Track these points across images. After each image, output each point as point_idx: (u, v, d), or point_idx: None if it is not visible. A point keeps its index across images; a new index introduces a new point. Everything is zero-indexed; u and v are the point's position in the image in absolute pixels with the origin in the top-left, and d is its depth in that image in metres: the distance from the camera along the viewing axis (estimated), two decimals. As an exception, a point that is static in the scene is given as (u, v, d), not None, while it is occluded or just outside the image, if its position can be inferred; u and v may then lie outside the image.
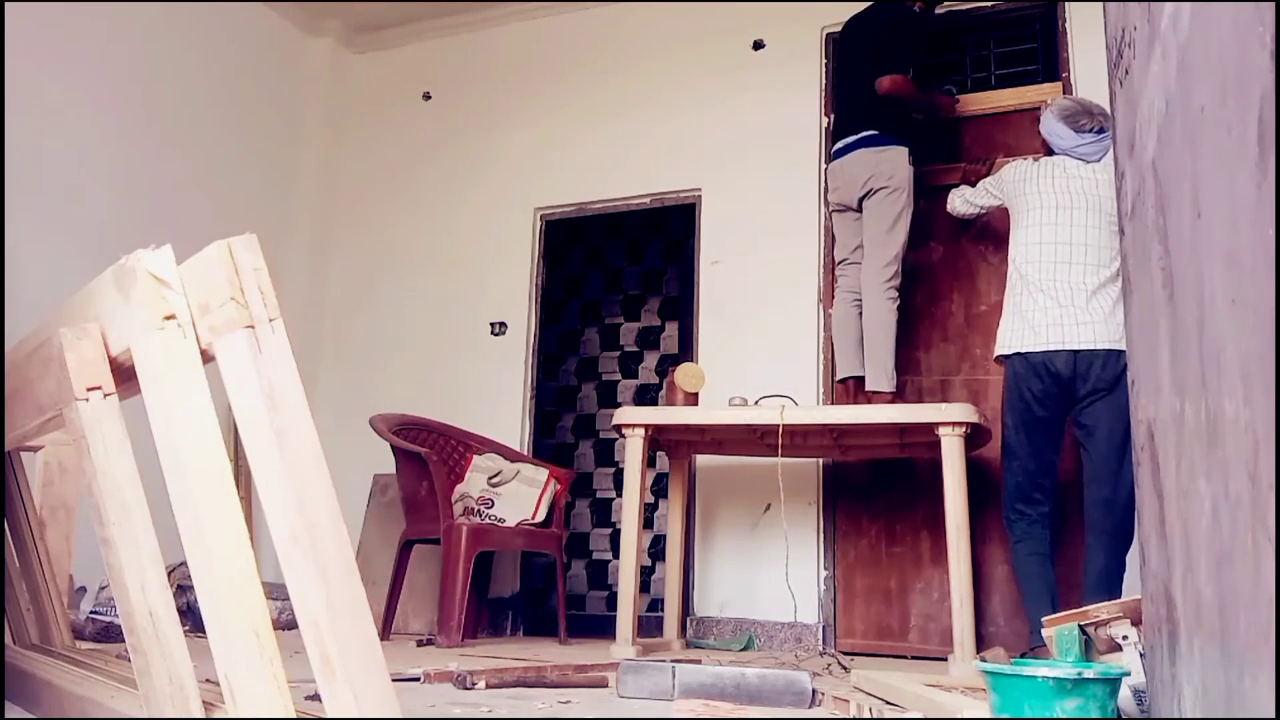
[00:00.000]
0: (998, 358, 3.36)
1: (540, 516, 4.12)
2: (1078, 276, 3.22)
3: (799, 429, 3.59)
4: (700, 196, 4.76)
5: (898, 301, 3.73)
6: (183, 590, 3.37)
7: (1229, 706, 0.96)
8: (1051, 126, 3.43)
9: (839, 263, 3.97)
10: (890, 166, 3.78)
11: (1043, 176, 3.38)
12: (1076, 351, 3.15)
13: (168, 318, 1.23)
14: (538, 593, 4.98)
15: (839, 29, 4.61)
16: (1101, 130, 3.37)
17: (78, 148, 4.26)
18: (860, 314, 3.84)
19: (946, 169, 4.16)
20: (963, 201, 3.76)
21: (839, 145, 3.93)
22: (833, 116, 4.17)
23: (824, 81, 4.59)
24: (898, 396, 3.68)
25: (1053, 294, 3.22)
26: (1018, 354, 3.25)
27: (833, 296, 4.34)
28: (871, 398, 3.67)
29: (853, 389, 3.80)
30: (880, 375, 3.64)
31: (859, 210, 3.88)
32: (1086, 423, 3.20)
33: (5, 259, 3.72)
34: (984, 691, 2.08)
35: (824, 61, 4.61)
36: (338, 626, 1.09)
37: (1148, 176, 1.39)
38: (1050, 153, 3.45)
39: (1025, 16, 4.38)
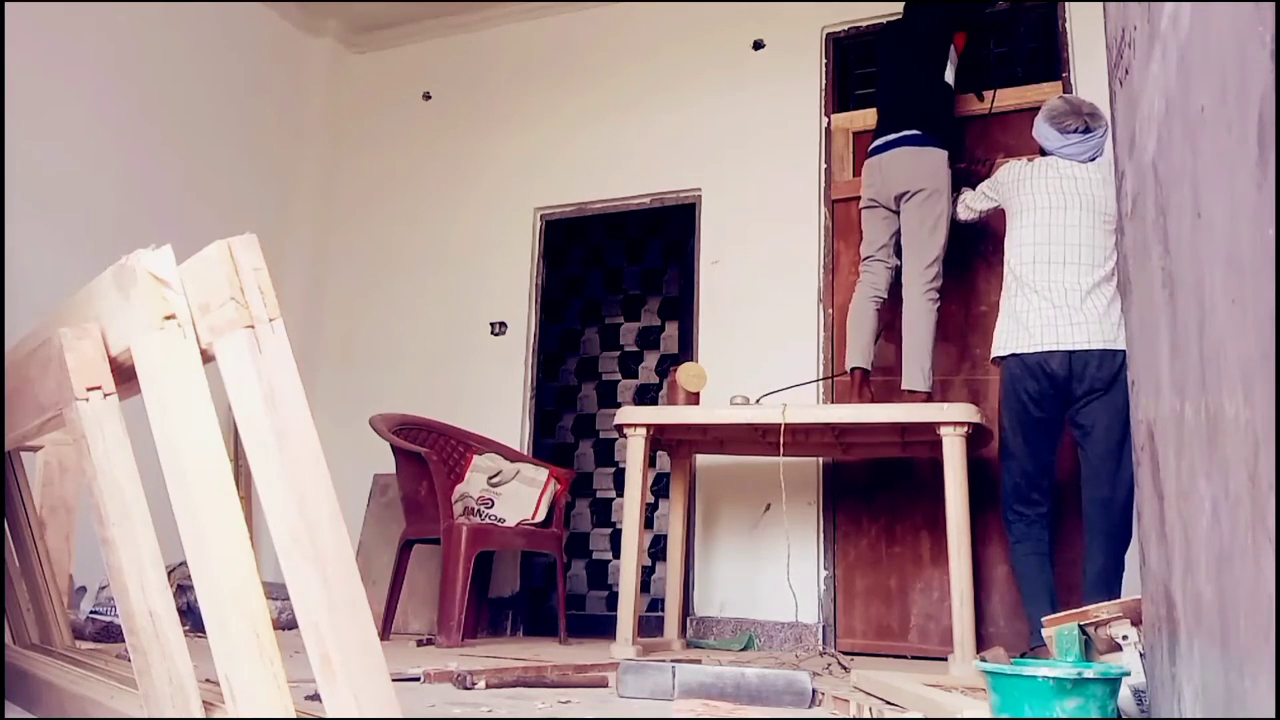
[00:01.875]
0: (994, 359, 3.36)
1: (540, 516, 4.12)
2: (1072, 277, 3.21)
3: (801, 427, 3.59)
4: (700, 196, 4.76)
5: (938, 303, 3.73)
6: (183, 590, 3.37)
7: (1229, 706, 0.96)
8: (1039, 128, 3.45)
9: (864, 259, 3.94)
10: (931, 168, 3.76)
11: (1036, 177, 3.38)
12: (1072, 352, 3.15)
13: (168, 318, 1.23)
14: (538, 593, 4.98)
15: (840, 29, 4.63)
16: (1088, 130, 3.36)
17: (78, 148, 4.26)
18: (879, 311, 3.85)
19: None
20: (963, 208, 3.76)
21: (879, 142, 3.89)
22: (876, 112, 4.12)
23: (824, 81, 4.59)
24: (931, 396, 3.68)
25: (1047, 295, 3.22)
26: (1014, 355, 3.25)
27: (833, 295, 4.36)
28: (906, 396, 3.67)
29: (858, 380, 3.79)
30: (917, 375, 3.64)
31: (893, 209, 3.85)
32: (1083, 423, 3.20)
33: (5, 259, 3.72)
34: (984, 691, 2.08)
35: (824, 61, 4.61)
36: (338, 626, 1.09)
37: (1148, 176, 1.39)
38: (1045, 154, 3.46)
39: (1025, 17, 4.38)
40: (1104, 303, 3.16)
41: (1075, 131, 3.36)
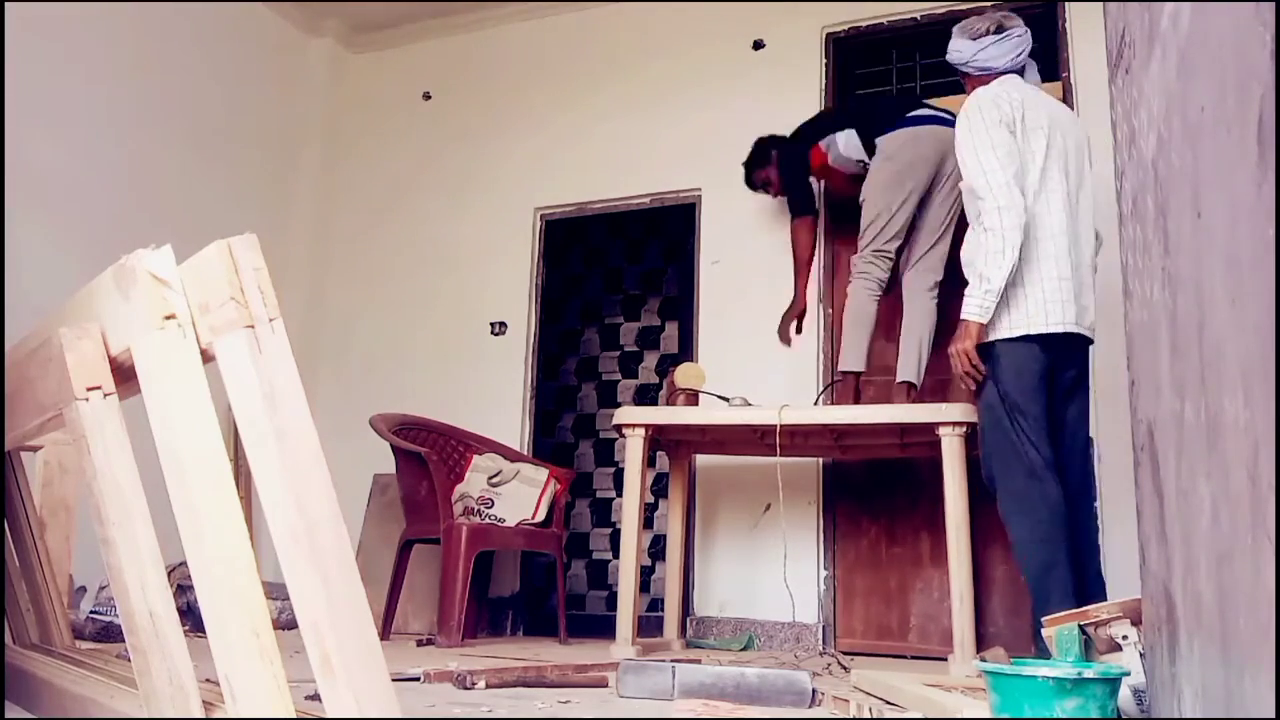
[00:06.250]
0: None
1: (540, 516, 4.12)
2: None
3: (799, 429, 3.58)
4: (700, 196, 4.75)
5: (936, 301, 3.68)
6: (183, 590, 3.37)
7: (1229, 706, 0.96)
8: (951, 49, 3.11)
9: (877, 251, 3.64)
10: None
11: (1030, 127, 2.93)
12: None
13: (168, 317, 1.23)
14: (538, 593, 4.98)
15: (840, 29, 4.63)
16: (1001, 29, 3.04)
17: (78, 148, 4.26)
18: (879, 308, 3.71)
19: None
20: (997, 211, 2.82)
21: (918, 112, 3.65)
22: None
23: (824, 81, 4.59)
24: (920, 391, 3.66)
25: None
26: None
27: (833, 295, 4.35)
28: (892, 391, 3.64)
29: (853, 383, 3.74)
30: (919, 369, 3.59)
31: (921, 194, 3.61)
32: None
33: (5, 259, 3.72)
34: (984, 691, 2.08)
35: (824, 61, 4.61)
36: (338, 626, 1.09)
37: (1148, 176, 1.39)
38: (966, 75, 3.12)
39: (1025, 17, 4.37)
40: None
41: (987, 34, 3.05)
